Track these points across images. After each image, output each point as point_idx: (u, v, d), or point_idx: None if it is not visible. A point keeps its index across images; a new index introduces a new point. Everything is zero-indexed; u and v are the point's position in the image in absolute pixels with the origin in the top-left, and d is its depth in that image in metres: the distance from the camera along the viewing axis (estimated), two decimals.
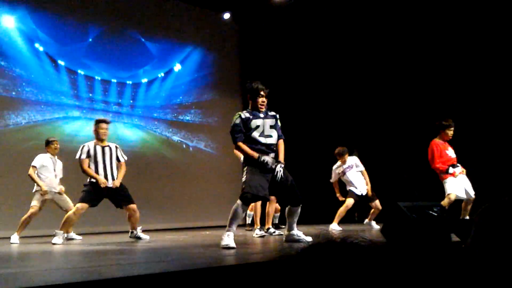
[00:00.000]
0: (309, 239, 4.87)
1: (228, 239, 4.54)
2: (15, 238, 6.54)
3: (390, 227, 3.93)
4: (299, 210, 5.07)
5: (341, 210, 7.59)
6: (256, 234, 6.52)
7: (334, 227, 7.37)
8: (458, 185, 6.52)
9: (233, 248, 4.47)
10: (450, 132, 6.63)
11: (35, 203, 6.71)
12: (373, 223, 7.75)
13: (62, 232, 6.14)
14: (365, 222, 7.86)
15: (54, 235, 6.10)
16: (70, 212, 6.22)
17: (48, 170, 6.89)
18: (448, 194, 6.45)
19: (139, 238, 6.37)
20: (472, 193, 6.56)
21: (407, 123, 8.76)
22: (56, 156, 7.05)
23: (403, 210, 3.84)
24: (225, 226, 4.69)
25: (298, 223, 5.16)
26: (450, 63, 8.36)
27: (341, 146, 7.86)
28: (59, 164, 7.09)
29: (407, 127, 8.73)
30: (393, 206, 4.01)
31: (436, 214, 3.86)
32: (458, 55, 8.23)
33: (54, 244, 5.90)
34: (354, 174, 7.79)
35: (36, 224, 6.95)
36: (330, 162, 8.03)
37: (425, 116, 7.89)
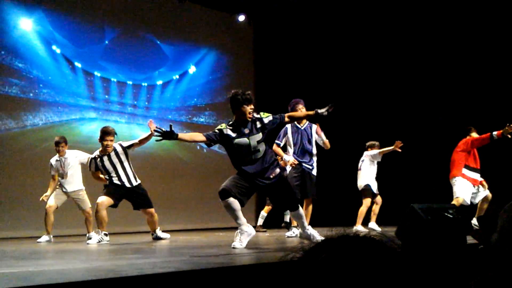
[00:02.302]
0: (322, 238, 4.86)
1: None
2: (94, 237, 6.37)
3: (405, 229, 3.90)
4: (303, 211, 5.19)
5: (362, 211, 7.33)
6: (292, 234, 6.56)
7: (359, 228, 7.22)
8: (467, 190, 6.40)
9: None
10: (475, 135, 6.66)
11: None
12: (375, 225, 7.42)
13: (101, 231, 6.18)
14: (369, 225, 7.44)
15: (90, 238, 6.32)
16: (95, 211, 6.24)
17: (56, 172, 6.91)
18: (457, 198, 6.35)
19: (160, 238, 6.57)
20: (483, 194, 6.48)
21: (426, 127, 8.69)
22: (64, 157, 6.82)
23: (418, 212, 3.81)
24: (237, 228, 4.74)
25: (318, 226, 5.22)
26: (479, 72, 8.27)
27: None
28: (67, 164, 6.84)
29: (426, 130, 8.66)
30: (408, 208, 3.99)
31: (451, 216, 3.82)
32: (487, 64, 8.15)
33: (98, 242, 5.99)
34: (373, 168, 7.59)
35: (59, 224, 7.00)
36: (345, 164, 7.98)
37: (447, 121, 7.82)
